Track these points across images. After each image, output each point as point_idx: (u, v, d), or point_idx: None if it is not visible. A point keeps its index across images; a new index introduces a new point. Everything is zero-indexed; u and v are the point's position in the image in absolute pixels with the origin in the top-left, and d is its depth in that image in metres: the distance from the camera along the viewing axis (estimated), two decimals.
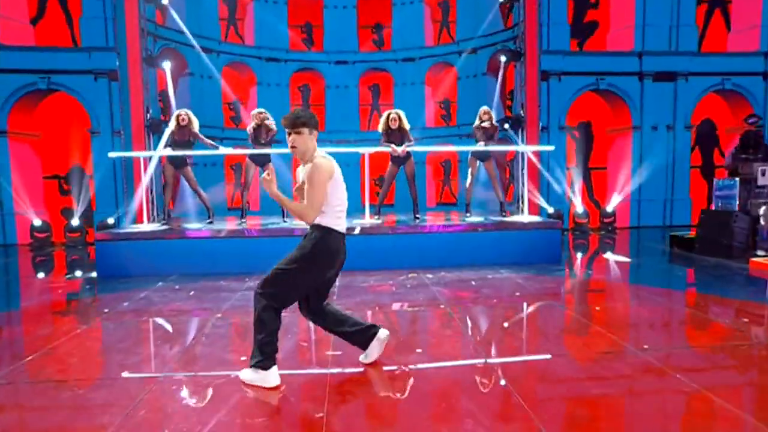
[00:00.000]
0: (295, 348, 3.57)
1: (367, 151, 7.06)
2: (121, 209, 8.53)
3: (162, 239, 6.46)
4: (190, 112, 7.10)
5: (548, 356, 3.27)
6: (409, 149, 6.99)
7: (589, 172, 12.12)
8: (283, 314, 2.84)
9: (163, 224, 7.22)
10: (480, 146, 7.42)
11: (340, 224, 2.87)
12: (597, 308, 4.72)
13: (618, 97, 11.16)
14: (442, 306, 4.61)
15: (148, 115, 9.26)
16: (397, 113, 6.99)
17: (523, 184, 8.20)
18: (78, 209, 10.08)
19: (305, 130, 2.79)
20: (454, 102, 13.52)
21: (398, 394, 2.74)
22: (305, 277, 2.80)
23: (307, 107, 13.54)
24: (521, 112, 10.26)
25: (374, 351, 3.08)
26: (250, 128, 7.04)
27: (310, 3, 13.25)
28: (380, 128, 7.10)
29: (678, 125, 11.32)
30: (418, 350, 3.45)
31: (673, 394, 2.65)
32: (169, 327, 4.20)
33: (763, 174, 6.88)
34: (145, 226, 7.06)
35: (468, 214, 7.74)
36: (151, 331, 4.17)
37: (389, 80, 13.45)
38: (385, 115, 7.08)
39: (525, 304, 4.74)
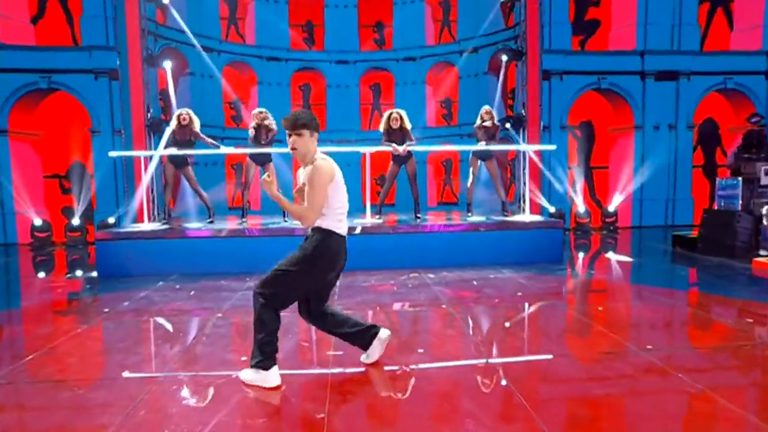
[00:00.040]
0: (296, 348, 3.55)
1: (368, 150, 7.05)
2: (121, 209, 8.52)
3: (162, 239, 6.45)
4: (191, 112, 7.10)
5: (550, 356, 3.26)
6: (410, 148, 6.97)
7: (590, 171, 12.09)
8: (283, 314, 2.83)
9: (164, 224, 7.21)
10: (481, 146, 7.41)
11: (342, 227, 2.86)
12: (599, 308, 4.70)
13: (620, 96, 11.13)
14: (443, 306, 4.59)
15: (149, 114, 9.26)
16: (398, 113, 6.98)
17: (524, 183, 8.18)
18: (79, 208, 10.07)
19: (306, 132, 2.77)
20: (456, 101, 13.50)
21: (400, 395, 2.72)
22: (305, 279, 2.79)
23: (307, 107, 13.62)
24: (522, 111, 10.25)
25: (375, 351, 3.06)
26: (250, 128, 7.04)
27: (311, 2, 13.24)
28: (381, 128, 7.09)
29: (680, 125, 11.28)
30: (420, 350, 3.43)
31: (676, 394, 2.63)
32: (169, 327, 4.19)
33: (767, 173, 6.85)
34: (146, 226, 7.05)
35: (469, 214, 7.72)
36: (151, 330, 4.16)
37: (390, 80, 13.44)
38: (386, 114, 7.06)
39: (527, 304, 4.72)
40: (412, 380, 2.88)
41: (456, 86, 13.24)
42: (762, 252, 6.57)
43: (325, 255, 2.79)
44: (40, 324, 4.37)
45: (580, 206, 10.77)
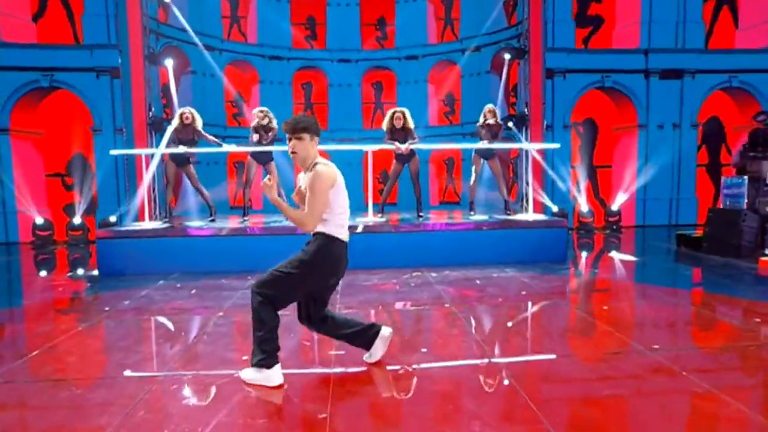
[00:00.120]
0: (298, 347, 3.52)
1: (370, 148, 7.02)
2: (123, 207, 8.51)
3: (164, 237, 6.43)
4: (194, 111, 7.09)
5: (554, 356, 3.22)
6: (413, 147, 6.95)
7: (594, 170, 12.03)
8: (283, 314, 2.80)
9: (165, 222, 7.20)
10: (484, 144, 7.37)
11: (344, 233, 2.85)
12: (604, 307, 4.66)
13: (623, 95, 11.06)
14: (446, 305, 4.55)
15: (151, 112, 9.25)
16: (402, 111, 6.95)
17: (527, 182, 8.13)
18: (81, 202, 10.06)
19: (306, 136, 2.76)
20: (458, 100, 13.46)
21: (402, 394, 2.69)
22: (304, 282, 2.77)
23: (309, 105, 13.60)
24: (525, 110, 10.20)
25: (378, 350, 3.04)
26: (251, 127, 7.03)
27: (313, 1, 13.21)
28: (384, 126, 7.06)
29: (684, 123, 11.21)
30: (423, 350, 3.40)
31: (683, 394, 2.60)
32: (170, 325, 4.16)
33: None
34: (147, 224, 7.03)
35: (472, 213, 7.69)
36: (152, 329, 4.13)
37: (392, 78, 13.39)
38: (389, 113, 7.03)
39: (531, 304, 4.69)
40: (415, 380, 2.86)
41: (458, 85, 13.19)
42: None
43: (326, 261, 2.78)
44: (41, 322, 4.35)
45: (584, 205, 10.71)
